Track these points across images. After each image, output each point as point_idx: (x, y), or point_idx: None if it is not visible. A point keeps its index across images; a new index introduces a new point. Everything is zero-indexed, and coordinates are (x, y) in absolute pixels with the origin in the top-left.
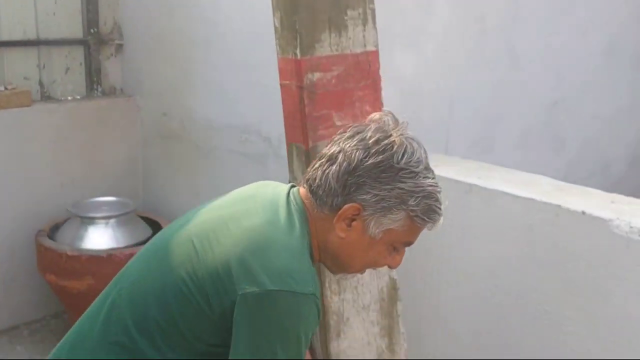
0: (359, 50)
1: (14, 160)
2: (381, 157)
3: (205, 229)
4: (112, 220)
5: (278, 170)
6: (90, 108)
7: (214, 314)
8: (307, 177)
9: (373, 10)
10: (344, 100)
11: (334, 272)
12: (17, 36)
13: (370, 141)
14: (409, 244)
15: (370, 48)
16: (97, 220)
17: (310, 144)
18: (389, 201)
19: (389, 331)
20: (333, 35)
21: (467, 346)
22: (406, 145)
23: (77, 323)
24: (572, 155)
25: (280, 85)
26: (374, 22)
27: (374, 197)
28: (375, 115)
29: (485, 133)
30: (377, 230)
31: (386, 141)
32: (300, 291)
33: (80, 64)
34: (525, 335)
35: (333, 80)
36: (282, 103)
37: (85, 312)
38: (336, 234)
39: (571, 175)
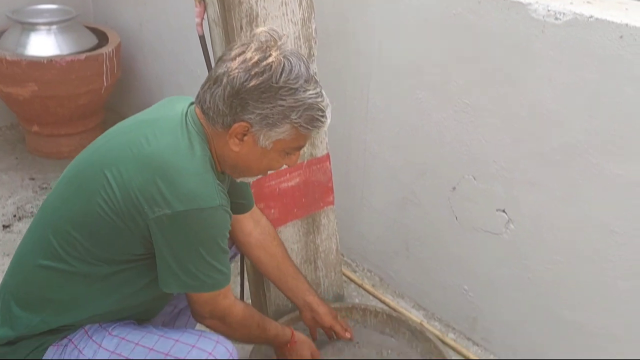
0: None
1: None
2: (261, 78)
3: (113, 157)
4: (53, 27)
5: None
6: None
7: (133, 234)
8: (198, 98)
9: None
10: None
11: (235, 178)
12: None
13: (250, 63)
14: (300, 147)
15: None
16: (38, 27)
17: None
18: (273, 117)
19: None
20: None
21: (393, 146)
22: (284, 64)
23: (17, 248)
24: None
25: None
26: None
27: (258, 115)
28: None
29: None
30: (267, 142)
31: (265, 62)
32: (208, 205)
33: None
34: (446, 129)
35: None
36: None
37: (22, 239)
38: (231, 148)
39: None
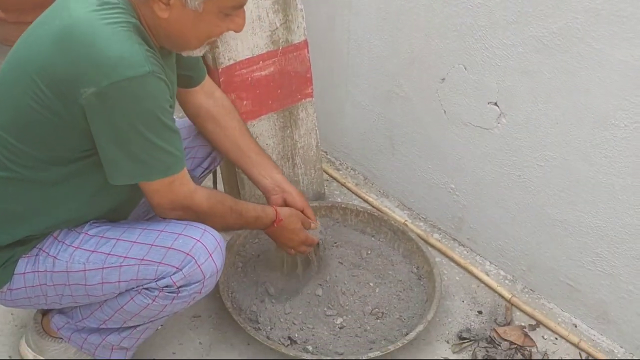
0: None
1: None
2: None
3: (34, 53)
4: None
5: None
6: None
7: (72, 127)
8: None
9: None
10: None
11: (178, 52)
12: None
13: None
14: (238, 5)
15: None
16: None
17: None
18: None
19: (284, 6)
20: None
21: (378, 31)
22: None
23: None
24: None
25: None
26: None
27: None
28: None
29: None
30: (195, 3)
31: None
32: (136, 74)
33: None
34: (434, 12)
35: None
36: None
37: None
38: (159, 16)
39: None
